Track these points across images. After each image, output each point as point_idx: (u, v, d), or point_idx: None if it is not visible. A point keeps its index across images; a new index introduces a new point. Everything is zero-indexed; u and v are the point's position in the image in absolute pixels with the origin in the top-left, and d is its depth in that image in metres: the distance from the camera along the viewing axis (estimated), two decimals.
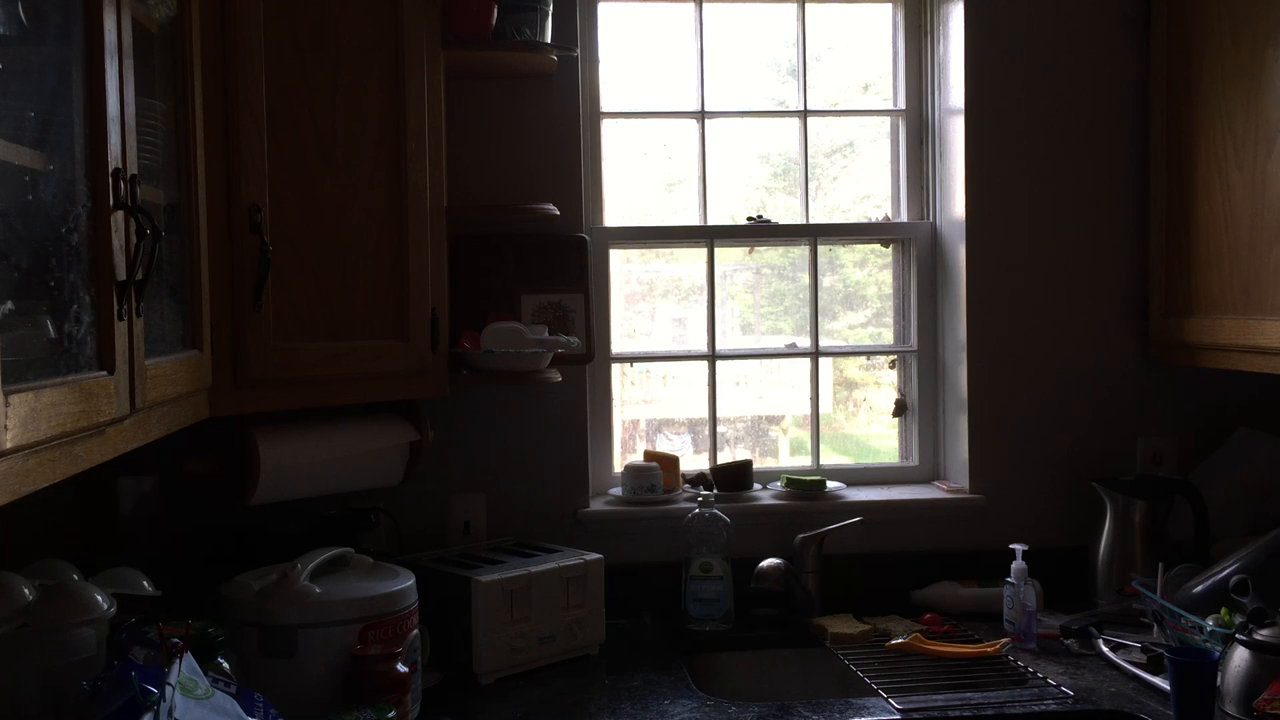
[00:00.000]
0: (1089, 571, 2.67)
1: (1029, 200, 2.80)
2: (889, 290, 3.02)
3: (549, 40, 2.53)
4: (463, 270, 2.55)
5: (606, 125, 2.86)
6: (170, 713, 1.39)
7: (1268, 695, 1.88)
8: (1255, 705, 1.89)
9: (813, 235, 2.95)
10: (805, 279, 2.97)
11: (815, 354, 2.96)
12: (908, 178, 2.96)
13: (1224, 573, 2.24)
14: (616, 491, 2.79)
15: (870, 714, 2.08)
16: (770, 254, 3.02)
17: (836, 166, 3.10)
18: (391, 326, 2.21)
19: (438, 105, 2.29)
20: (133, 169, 1.40)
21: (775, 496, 2.82)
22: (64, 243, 1.24)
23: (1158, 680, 2.14)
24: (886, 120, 3.01)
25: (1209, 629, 2.12)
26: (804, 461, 2.99)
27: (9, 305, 1.11)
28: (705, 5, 2.91)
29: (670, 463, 2.80)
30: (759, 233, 2.93)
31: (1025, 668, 2.28)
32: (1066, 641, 2.40)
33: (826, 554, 2.66)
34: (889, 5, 2.97)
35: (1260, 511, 2.59)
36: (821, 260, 2.97)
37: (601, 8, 2.81)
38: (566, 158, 2.71)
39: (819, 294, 2.96)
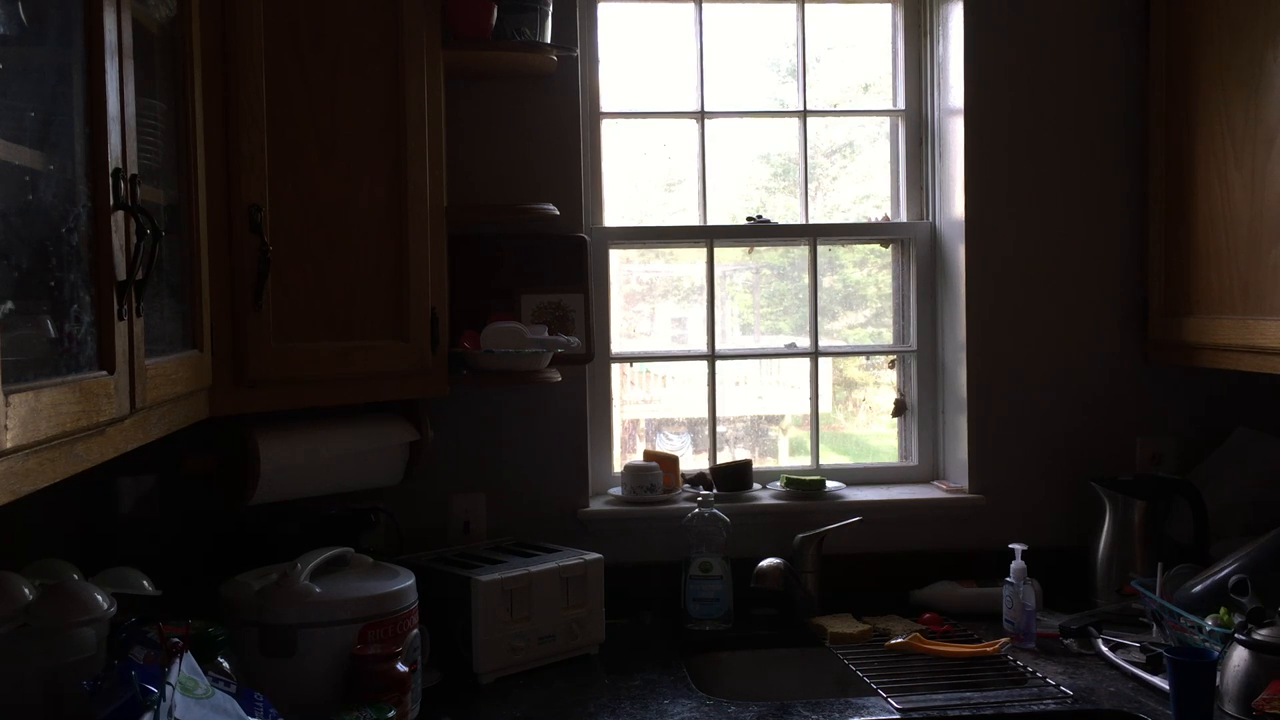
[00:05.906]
0: (1088, 571, 2.67)
1: (1029, 200, 2.80)
2: (888, 290, 3.02)
3: (549, 40, 2.53)
4: (463, 270, 2.55)
5: (606, 125, 2.87)
6: (170, 712, 1.39)
7: (1267, 695, 1.88)
8: (1254, 705, 1.89)
9: (812, 235, 2.95)
10: (805, 279, 2.97)
11: (815, 354, 2.96)
12: (907, 178, 2.97)
13: (1223, 572, 2.24)
14: (616, 491, 2.79)
15: (870, 714, 2.08)
16: (770, 254, 3.02)
17: (836, 167, 3.10)
18: (391, 326, 2.21)
19: (438, 105, 2.29)
20: (133, 169, 1.40)
21: (775, 496, 2.82)
22: (64, 243, 1.25)
23: (1157, 680, 2.14)
24: (886, 121, 3.01)
25: (1208, 629, 2.12)
26: (803, 461, 2.99)
27: (9, 305, 1.11)
28: (705, 5, 2.91)
29: (670, 463, 2.81)
30: (759, 233, 2.93)
31: (1024, 667, 2.28)
32: (1066, 641, 2.40)
33: (826, 554, 2.66)
34: (889, 5, 2.97)
35: (1260, 511, 2.59)
36: (821, 260, 2.97)
37: (601, 8, 2.81)
38: (566, 158, 2.71)
39: (818, 294, 2.96)
